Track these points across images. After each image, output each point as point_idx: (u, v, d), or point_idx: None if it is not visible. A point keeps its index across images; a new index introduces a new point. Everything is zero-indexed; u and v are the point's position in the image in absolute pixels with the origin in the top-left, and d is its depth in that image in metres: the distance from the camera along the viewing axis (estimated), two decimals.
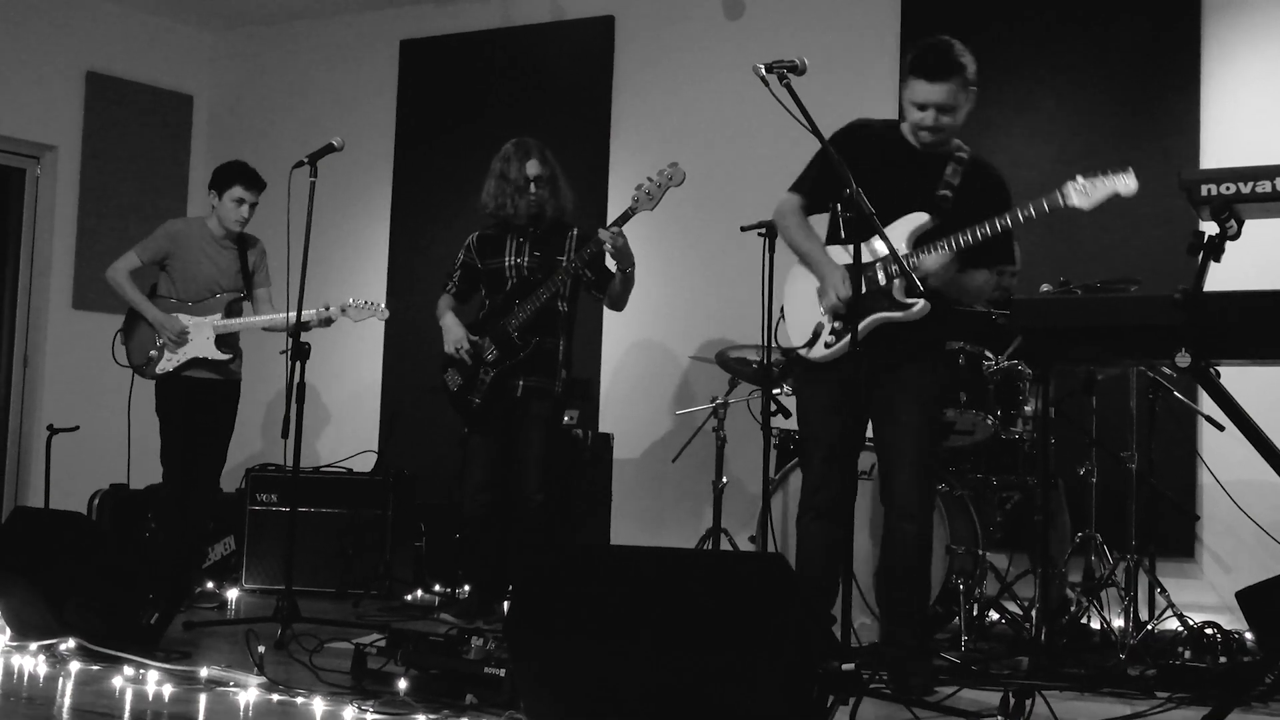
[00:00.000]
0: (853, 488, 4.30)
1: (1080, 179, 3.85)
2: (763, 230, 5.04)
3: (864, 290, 3.93)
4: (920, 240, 4.00)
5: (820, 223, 4.20)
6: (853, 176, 3.70)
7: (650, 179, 4.97)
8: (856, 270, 3.72)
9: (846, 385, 4.02)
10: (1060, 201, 3.84)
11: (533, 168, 5.14)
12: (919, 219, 4.02)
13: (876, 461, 4.31)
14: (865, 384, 3.96)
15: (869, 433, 4.29)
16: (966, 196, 4.03)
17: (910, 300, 4.01)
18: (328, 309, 5.46)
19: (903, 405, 4.03)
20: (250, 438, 7.27)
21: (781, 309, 4.25)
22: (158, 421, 5.68)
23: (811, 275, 4.13)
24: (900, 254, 3.88)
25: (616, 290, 5.16)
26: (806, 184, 4.19)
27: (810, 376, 4.18)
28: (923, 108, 3.98)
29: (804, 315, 4.14)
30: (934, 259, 3.93)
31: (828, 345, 4.07)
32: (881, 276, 4.02)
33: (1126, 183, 3.82)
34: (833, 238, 4.14)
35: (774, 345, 4.39)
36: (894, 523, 4.05)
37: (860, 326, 3.86)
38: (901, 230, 4.00)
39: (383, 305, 5.69)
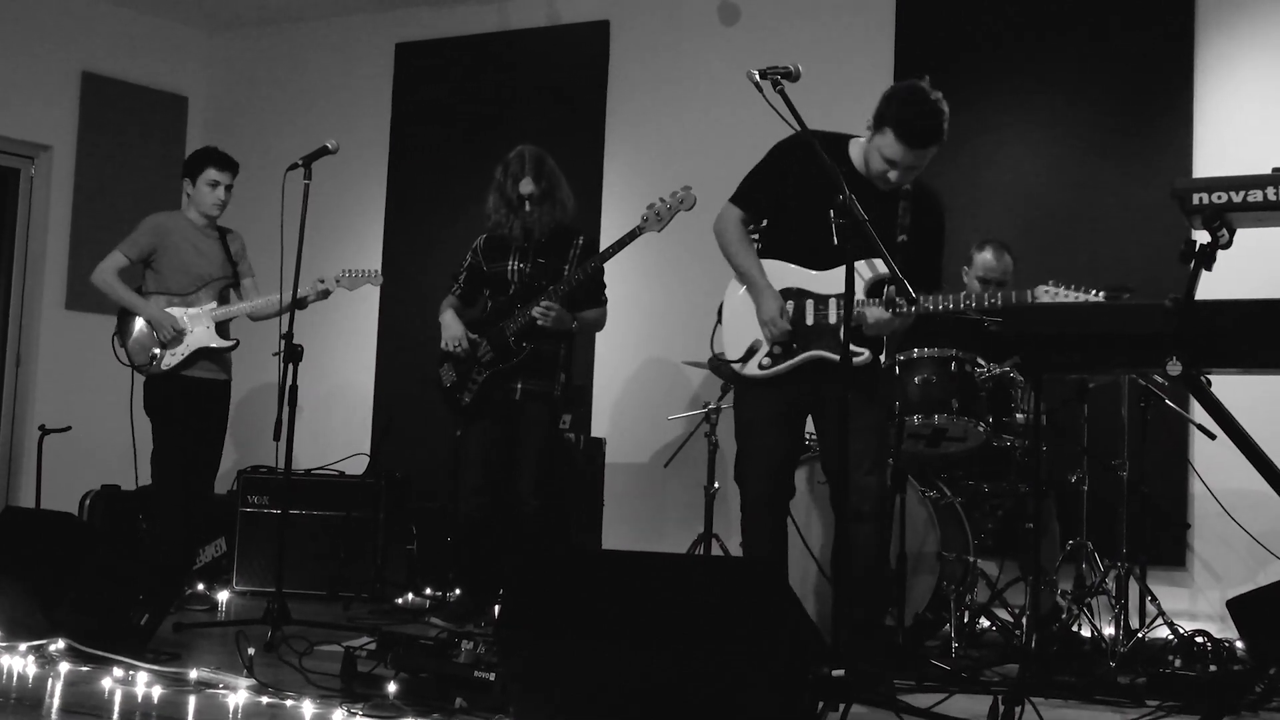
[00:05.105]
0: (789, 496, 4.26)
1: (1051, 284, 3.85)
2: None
3: (809, 322, 3.95)
4: (873, 288, 3.94)
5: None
6: (805, 199, 3.68)
7: (662, 199, 4.96)
8: (849, 284, 3.57)
9: (789, 399, 4.04)
10: (1030, 299, 3.83)
11: (525, 186, 5.11)
12: (883, 269, 3.90)
13: (821, 466, 4.33)
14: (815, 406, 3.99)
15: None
16: (915, 235, 3.97)
17: (856, 350, 3.90)
18: (322, 282, 5.42)
19: (856, 408, 3.86)
20: (243, 439, 7.26)
21: (720, 313, 4.21)
22: (150, 422, 5.62)
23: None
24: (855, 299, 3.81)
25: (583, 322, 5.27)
26: (746, 197, 4.15)
27: (750, 386, 4.13)
28: (891, 163, 3.90)
29: (741, 328, 4.11)
30: (878, 315, 3.87)
31: (762, 367, 4.05)
32: (832, 315, 3.95)
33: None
34: (768, 252, 4.11)
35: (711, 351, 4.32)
36: (852, 525, 3.89)
37: (797, 359, 3.91)
38: (864, 275, 3.93)
39: (377, 270, 5.73)
